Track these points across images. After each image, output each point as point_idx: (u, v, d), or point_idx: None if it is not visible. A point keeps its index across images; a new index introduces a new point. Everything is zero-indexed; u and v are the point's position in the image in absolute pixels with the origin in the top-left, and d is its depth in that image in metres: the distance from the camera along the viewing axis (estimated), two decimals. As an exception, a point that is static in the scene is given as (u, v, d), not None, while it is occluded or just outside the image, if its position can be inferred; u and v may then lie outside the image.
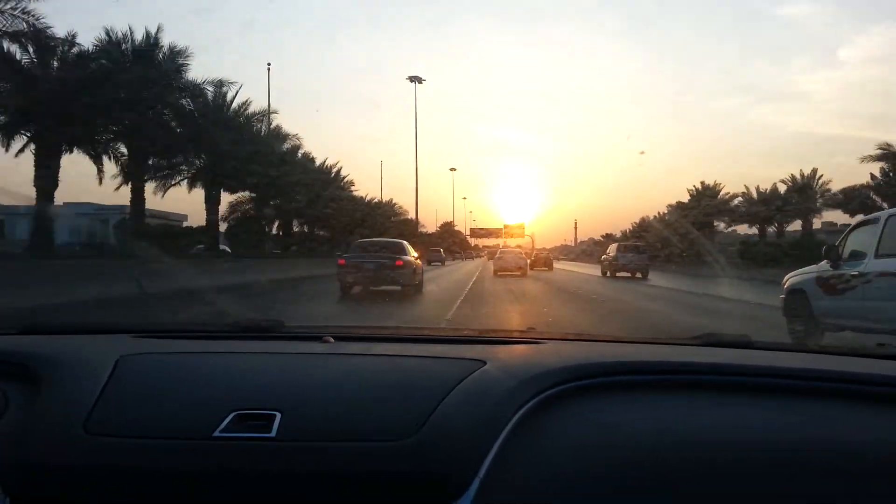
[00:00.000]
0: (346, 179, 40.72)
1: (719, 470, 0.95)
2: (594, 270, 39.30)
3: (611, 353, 1.35)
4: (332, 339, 1.40)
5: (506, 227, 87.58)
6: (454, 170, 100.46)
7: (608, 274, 30.77)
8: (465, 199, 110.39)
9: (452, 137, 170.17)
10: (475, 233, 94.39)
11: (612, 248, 32.03)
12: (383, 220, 45.22)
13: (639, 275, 28.81)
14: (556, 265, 45.29)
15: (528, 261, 38.42)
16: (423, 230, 72.14)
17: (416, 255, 16.20)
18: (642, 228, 50.04)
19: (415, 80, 60.31)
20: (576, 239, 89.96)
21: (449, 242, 75.70)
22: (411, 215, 60.70)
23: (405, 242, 16.57)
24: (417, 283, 15.52)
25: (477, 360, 1.15)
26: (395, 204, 50.75)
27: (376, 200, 50.14)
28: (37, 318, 1.83)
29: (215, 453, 0.90)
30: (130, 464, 0.89)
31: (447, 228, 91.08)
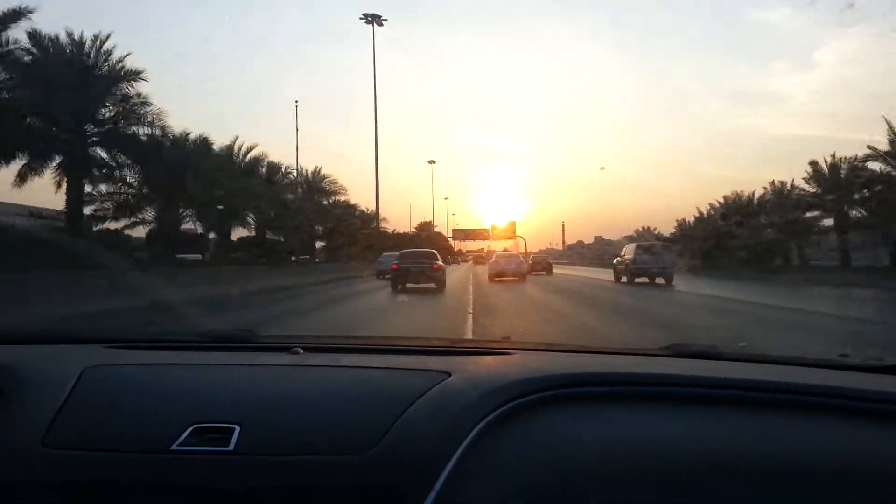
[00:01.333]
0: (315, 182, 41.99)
1: (678, 482, 0.95)
2: (599, 274, 35.85)
3: (577, 364, 1.37)
4: (301, 350, 1.42)
5: (494, 227, 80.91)
6: (433, 162, 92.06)
7: (622, 279, 26.93)
8: (446, 199, 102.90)
9: (431, 140, 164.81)
10: (459, 235, 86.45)
11: (628, 249, 27.57)
12: (347, 226, 44.73)
13: (659, 280, 24.93)
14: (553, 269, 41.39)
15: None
16: (392, 230, 67.38)
17: (441, 261, 22.39)
18: (682, 230, 46.56)
19: (372, 19, 46.58)
20: (563, 241, 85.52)
21: (428, 246, 71.26)
22: (386, 216, 58.19)
23: (436, 251, 23.01)
24: (443, 280, 21.12)
25: (442, 372, 1.16)
26: (355, 205, 47.37)
27: (342, 200, 47.93)
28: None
29: (172, 467, 0.91)
30: (87, 478, 0.89)
31: (426, 230, 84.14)
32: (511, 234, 78.19)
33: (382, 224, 60.24)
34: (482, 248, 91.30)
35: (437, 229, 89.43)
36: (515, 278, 29.05)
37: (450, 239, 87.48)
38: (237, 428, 0.96)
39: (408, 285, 19.97)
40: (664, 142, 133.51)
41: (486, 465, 0.95)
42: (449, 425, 0.99)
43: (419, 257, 21.39)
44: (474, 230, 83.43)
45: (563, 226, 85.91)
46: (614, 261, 29.19)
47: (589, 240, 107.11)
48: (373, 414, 1.01)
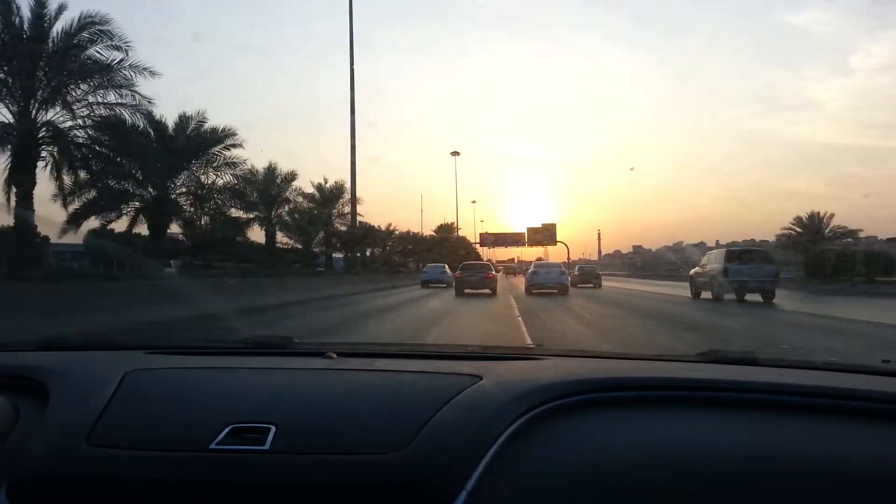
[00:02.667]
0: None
1: (715, 486, 0.96)
2: (660, 287, 30.58)
3: (609, 369, 1.37)
4: (334, 355, 1.47)
5: (530, 230, 69.54)
6: (457, 154, 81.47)
7: (703, 294, 21.67)
8: (474, 202, 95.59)
9: (456, 145, 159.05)
10: (487, 239, 75.33)
11: (712, 257, 22.23)
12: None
13: (749, 296, 19.85)
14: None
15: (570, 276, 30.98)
16: (408, 232, 62.76)
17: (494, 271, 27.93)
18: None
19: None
20: (600, 251, 78.66)
21: (450, 252, 61.88)
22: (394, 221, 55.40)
23: (491, 262, 33.30)
24: (496, 287, 25.85)
25: (473, 376, 1.19)
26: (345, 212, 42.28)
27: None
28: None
29: (210, 465, 0.95)
30: (129, 475, 0.95)
31: (447, 234, 72.71)
32: (550, 237, 68.79)
33: (395, 227, 58.18)
34: (512, 259, 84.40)
35: (460, 232, 79.56)
36: (556, 291, 25.73)
37: (476, 245, 76.93)
38: (273, 428, 1.01)
39: (466, 291, 24.91)
40: (698, 151, 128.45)
41: (516, 467, 0.97)
42: (480, 427, 1.01)
43: (478, 268, 27.30)
44: (505, 234, 73.87)
45: (599, 234, 79.24)
46: (691, 272, 23.79)
47: (626, 249, 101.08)
48: (405, 415, 1.04)
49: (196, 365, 1.41)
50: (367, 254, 51.75)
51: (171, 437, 1.02)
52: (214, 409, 1.09)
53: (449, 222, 78.03)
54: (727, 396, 1.17)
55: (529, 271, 29.33)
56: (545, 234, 69.28)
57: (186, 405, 1.14)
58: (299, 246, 37.68)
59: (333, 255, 42.78)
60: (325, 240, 39.97)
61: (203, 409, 1.10)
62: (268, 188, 33.77)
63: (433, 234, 72.19)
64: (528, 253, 78.91)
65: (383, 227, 56.19)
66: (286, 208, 36.48)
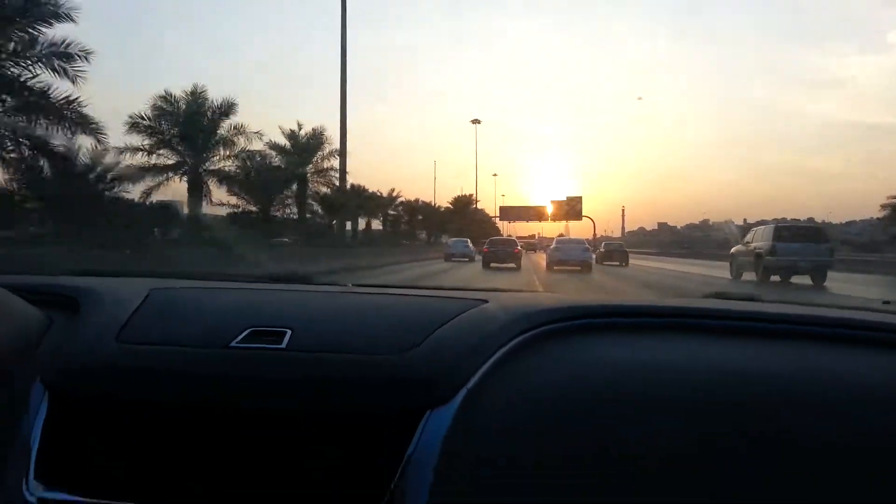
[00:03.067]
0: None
1: (708, 405, 0.97)
2: (693, 267, 28.45)
3: (613, 300, 1.42)
4: (350, 285, 1.61)
5: (555, 203, 65.18)
6: (478, 122, 76.87)
7: (745, 275, 19.58)
8: (495, 175, 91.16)
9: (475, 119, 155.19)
10: (507, 214, 70.77)
11: (757, 234, 19.79)
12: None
13: (798, 278, 17.82)
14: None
15: (594, 253, 30.16)
16: (413, 202, 58.20)
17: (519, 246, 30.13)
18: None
19: None
20: (623, 228, 75.85)
21: (467, 226, 59.02)
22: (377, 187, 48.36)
23: (515, 238, 35.50)
24: (521, 261, 27.55)
25: (479, 300, 1.24)
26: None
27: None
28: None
29: (230, 359, 1.02)
30: (155, 367, 1.01)
31: (464, 206, 68.54)
32: (575, 212, 63.96)
33: (399, 194, 54.03)
34: (533, 234, 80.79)
35: (479, 206, 75.17)
36: (579, 269, 24.41)
37: (495, 219, 73.36)
38: (289, 331, 1.07)
39: (492, 265, 25.90)
40: (721, 127, 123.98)
41: (515, 377, 1.01)
42: (483, 338, 1.06)
43: (504, 243, 28.73)
44: (527, 208, 69.02)
45: (623, 211, 75.89)
46: (732, 250, 21.56)
47: (651, 226, 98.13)
48: (414, 326, 1.09)
49: (216, 286, 1.53)
50: (365, 223, 45.83)
51: (195, 336, 1.08)
52: (235, 316, 1.15)
53: (467, 194, 73.25)
54: (727, 324, 1.20)
55: (551, 247, 28.07)
56: (570, 209, 64.78)
57: (209, 313, 1.21)
58: (253, 208, 27.21)
59: (330, 222, 34.58)
60: (299, 202, 30.72)
61: (224, 315, 1.17)
62: (195, 122, 23.51)
63: (449, 205, 67.96)
64: (551, 229, 75.66)
65: (384, 193, 50.47)
66: (223, 153, 25.00)
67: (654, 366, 1.04)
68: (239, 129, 24.78)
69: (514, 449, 0.92)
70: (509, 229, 75.18)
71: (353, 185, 39.38)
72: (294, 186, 30.20)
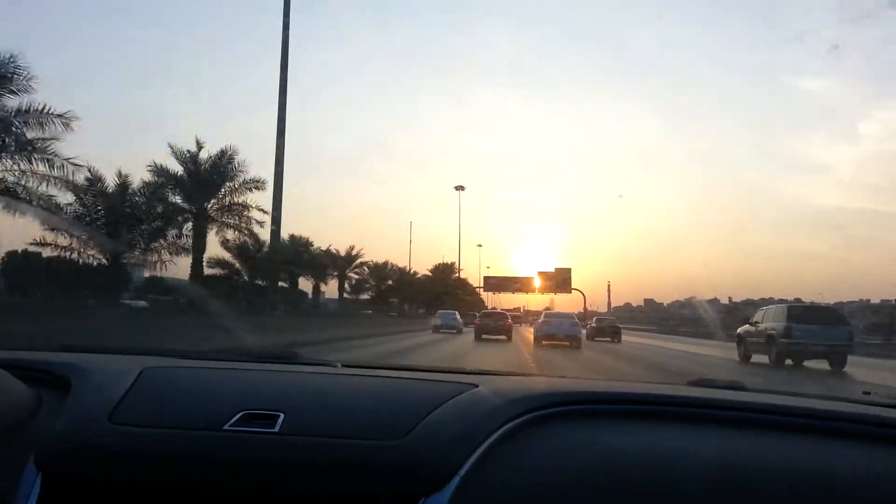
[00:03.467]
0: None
1: (697, 496, 1.00)
2: (692, 347, 26.99)
3: (602, 386, 1.44)
4: (339, 365, 1.63)
5: (542, 275, 62.73)
6: (461, 188, 71.66)
7: (751, 358, 18.08)
8: (480, 245, 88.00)
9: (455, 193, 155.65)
10: (492, 284, 67.19)
11: (769, 314, 18.32)
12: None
13: (816, 362, 16.25)
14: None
15: (583, 329, 29.65)
16: (380, 265, 52.89)
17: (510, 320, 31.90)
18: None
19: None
20: (609, 303, 74.38)
21: (447, 295, 56.06)
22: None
23: (506, 313, 34.09)
24: (511, 334, 28.91)
25: (470, 384, 1.25)
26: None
27: None
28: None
29: (224, 443, 1.02)
30: (148, 449, 1.01)
31: (444, 274, 64.01)
32: (564, 284, 61.57)
33: (361, 253, 47.93)
34: (518, 308, 78.80)
35: (462, 275, 70.91)
36: (567, 344, 23.55)
37: (479, 290, 70.10)
38: (282, 415, 1.07)
39: (483, 336, 27.40)
40: (707, 208, 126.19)
41: (508, 464, 1.02)
42: (475, 423, 1.07)
43: (495, 317, 30.87)
44: (512, 279, 65.60)
45: (609, 286, 74.15)
46: (739, 331, 20.07)
47: (637, 302, 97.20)
48: (405, 410, 1.10)
49: (210, 366, 1.53)
50: (312, 287, 39.55)
51: (188, 419, 1.08)
52: (228, 398, 1.15)
53: (449, 262, 68.17)
54: (713, 414, 1.22)
55: (540, 321, 27.20)
56: (558, 280, 62.32)
57: (201, 394, 1.21)
58: (104, 261, 20.02)
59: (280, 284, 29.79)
60: (195, 250, 23.55)
61: (217, 397, 1.17)
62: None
63: (428, 273, 63.34)
64: (536, 301, 73.76)
65: (342, 252, 43.31)
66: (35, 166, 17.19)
67: (641, 453, 1.07)
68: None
69: None
70: (493, 301, 73.27)
71: (292, 236, 33.83)
72: (188, 227, 23.36)
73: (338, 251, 43.40)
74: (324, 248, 40.11)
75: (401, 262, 64.01)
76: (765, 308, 19.46)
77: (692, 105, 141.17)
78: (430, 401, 1.12)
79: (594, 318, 37.85)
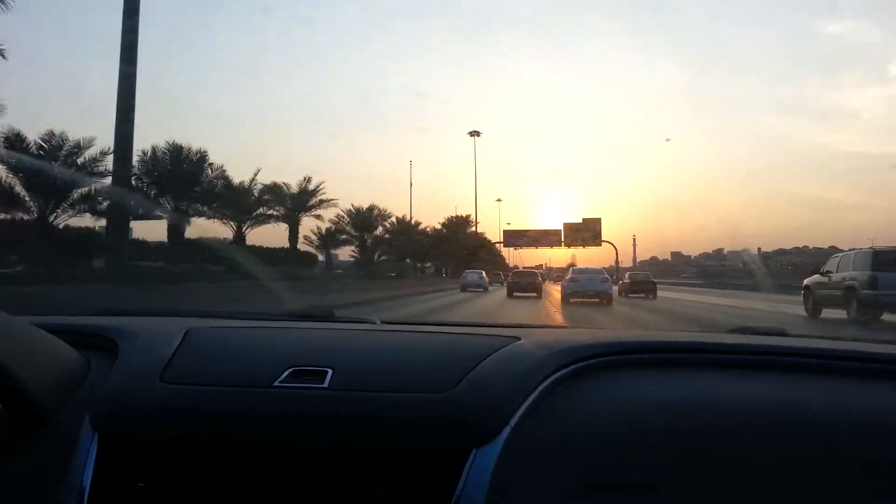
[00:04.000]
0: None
1: (739, 441, 1.00)
2: (738, 300, 24.73)
3: (646, 335, 1.45)
4: (379, 321, 1.65)
5: (567, 226, 57.07)
6: (476, 134, 64.98)
7: (822, 312, 15.95)
8: (499, 200, 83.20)
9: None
10: (512, 239, 60.57)
11: (847, 261, 15.65)
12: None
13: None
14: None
15: (615, 285, 28.63)
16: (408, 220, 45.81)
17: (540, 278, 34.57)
18: None
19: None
20: (635, 257, 71.51)
21: (462, 251, 51.22)
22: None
23: (537, 272, 36.33)
24: (542, 291, 31.35)
25: (512, 337, 1.26)
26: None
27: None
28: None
29: (273, 400, 1.03)
30: (201, 407, 1.03)
31: (459, 227, 56.34)
32: (593, 237, 55.55)
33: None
34: (540, 265, 75.84)
35: (475, 228, 61.63)
36: (598, 301, 23.32)
37: (499, 245, 64.47)
38: (330, 371, 1.08)
39: (515, 294, 29.45)
40: (733, 158, 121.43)
41: (553, 414, 1.03)
42: (520, 376, 1.08)
43: (526, 275, 33.27)
44: (536, 232, 59.22)
45: (635, 239, 70.63)
46: (806, 281, 17.56)
47: (664, 256, 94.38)
48: (450, 364, 1.11)
49: (253, 325, 1.54)
50: (235, 229, 29.15)
51: (237, 377, 1.09)
52: (275, 355, 1.16)
53: (464, 215, 59.43)
54: (757, 359, 1.22)
55: (567, 277, 26.12)
56: (587, 232, 56.66)
57: (248, 353, 1.22)
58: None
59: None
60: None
61: (264, 356, 1.18)
62: None
63: (440, 227, 54.87)
64: (559, 257, 71.05)
65: (293, 187, 33.37)
66: None
67: (686, 401, 1.08)
68: None
69: (559, 484, 0.95)
70: (514, 258, 70.38)
71: (173, 146, 24.62)
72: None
73: (287, 185, 33.45)
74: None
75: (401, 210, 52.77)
76: (840, 255, 16.89)
77: (719, 54, 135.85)
78: (474, 355, 1.14)
79: (627, 274, 35.58)
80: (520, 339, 1.23)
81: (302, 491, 0.97)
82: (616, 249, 59.30)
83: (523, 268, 45.41)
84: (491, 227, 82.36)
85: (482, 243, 61.62)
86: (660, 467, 0.96)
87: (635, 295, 29.22)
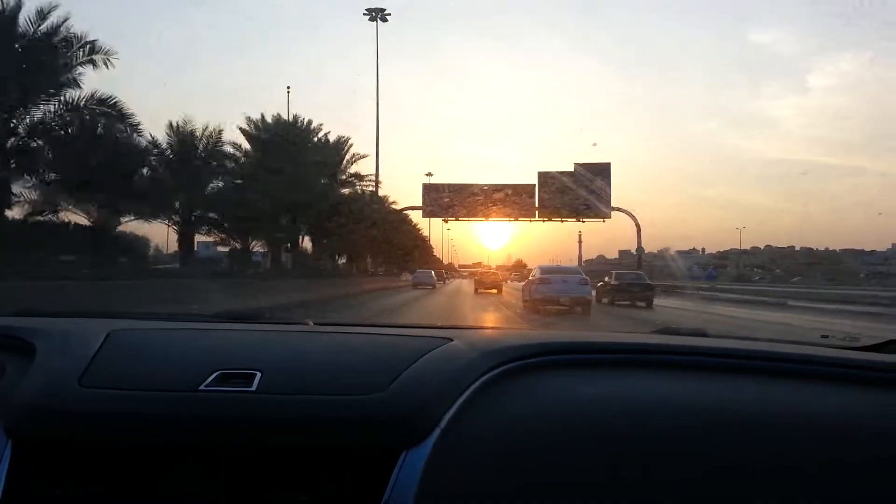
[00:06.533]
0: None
1: (663, 437, 1.03)
2: (766, 312, 16.60)
3: (573, 336, 1.46)
4: (310, 323, 1.61)
5: (544, 179, 38.64)
6: (380, 11, 37.47)
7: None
8: (448, 228, 62.63)
9: (427, 152, 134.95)
10: (435, 196, 40.58)
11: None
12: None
13: None
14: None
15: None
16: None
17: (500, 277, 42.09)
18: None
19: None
20: (580, 256, 64.34)
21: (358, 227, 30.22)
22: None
23: (498, 272, 44.43)
24: (501, 287, 37.03)
25: (445, 338, 1.27)
26: None
27: None
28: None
29: (198, 404, 1.00)
30: (123, 411, 0.99)
31: (400, 219, 41.63)
32: (598, 201, 36.50)
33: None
34: (478, 262, 66.26)
35: (378, 189, 40.19)
36: (570, 308, 17.94)
37: (417, 212, 43.57)
38: (258, 374, 1.05)
39: (479, 291, 34.51)
40: (659, 162, 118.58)
41: (484, 414, 1.04)
42: (452, 376, 1.08)
43: (490, 275, 40.14)
44: (480, 188, 38.87)
45: (580, 236, 60.77)
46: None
47: (612, 254, 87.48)
48: (382, 365, 1.10)
49: (178, 327, 1.51)
50: None
51: (161, 380, 1.07)
52: (200, 358, 1.14)
53: (363, 174, 37.09)
54: (677, 359, 1.27)
55: (534, 277, 19.80)
56: (523, 199, 39.62)
57: (173, 355, 1.19)
58: None
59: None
60: None
61: (189, 358, 1.15)
62: None
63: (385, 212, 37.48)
64: (496, 256, 60.51)
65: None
66: None
67: (613, 400, 1.11)
68: None
69: (488, 485, 0.95)
70: (450, 254, 57.74)
71: None
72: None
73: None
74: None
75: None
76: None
77: (654, 62, 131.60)
78: (406, 356, 1.13)
79: (613, 273, 25.55)
80: (452, 340, 1.25)
81: (227, 495, 0.96)
82: (638, 226, 40.59)
83: (487, 269, 49.91)
84: (410, 195, 61.04)
85: (386, 217, 42.92)
86: (588, 467, 0.98)
87: (622, 303, 22.48)
